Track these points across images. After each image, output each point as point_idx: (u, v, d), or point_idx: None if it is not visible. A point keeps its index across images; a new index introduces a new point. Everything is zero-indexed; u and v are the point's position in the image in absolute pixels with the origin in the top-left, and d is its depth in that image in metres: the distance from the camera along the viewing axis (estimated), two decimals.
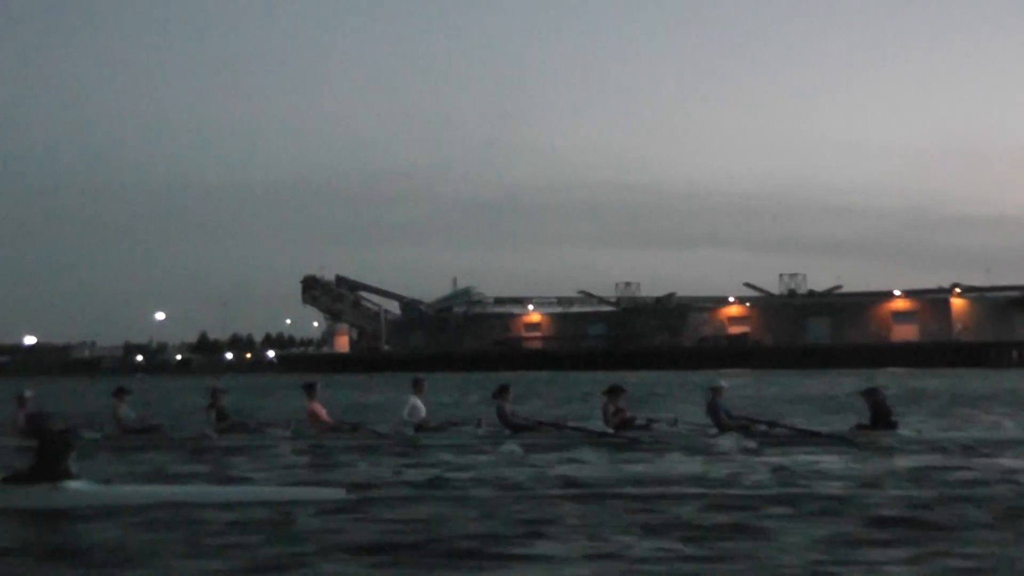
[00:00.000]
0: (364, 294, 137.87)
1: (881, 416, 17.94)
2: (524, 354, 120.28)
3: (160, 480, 13.77)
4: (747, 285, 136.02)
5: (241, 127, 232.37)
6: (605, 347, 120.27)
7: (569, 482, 13.17)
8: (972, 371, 73.73)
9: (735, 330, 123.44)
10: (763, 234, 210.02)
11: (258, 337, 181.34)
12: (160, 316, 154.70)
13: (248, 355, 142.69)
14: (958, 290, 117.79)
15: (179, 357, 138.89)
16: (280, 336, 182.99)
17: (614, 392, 19.01)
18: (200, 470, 15.22)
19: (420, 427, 18.89)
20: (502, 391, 19.20)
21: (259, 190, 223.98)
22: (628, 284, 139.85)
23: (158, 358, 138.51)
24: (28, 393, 19.64)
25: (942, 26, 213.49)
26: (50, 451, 11.45)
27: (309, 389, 19.52)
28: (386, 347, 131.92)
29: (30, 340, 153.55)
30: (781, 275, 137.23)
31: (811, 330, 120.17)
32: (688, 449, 16.89)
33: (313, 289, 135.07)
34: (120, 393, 19.77)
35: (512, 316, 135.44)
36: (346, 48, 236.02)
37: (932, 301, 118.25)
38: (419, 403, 19.14)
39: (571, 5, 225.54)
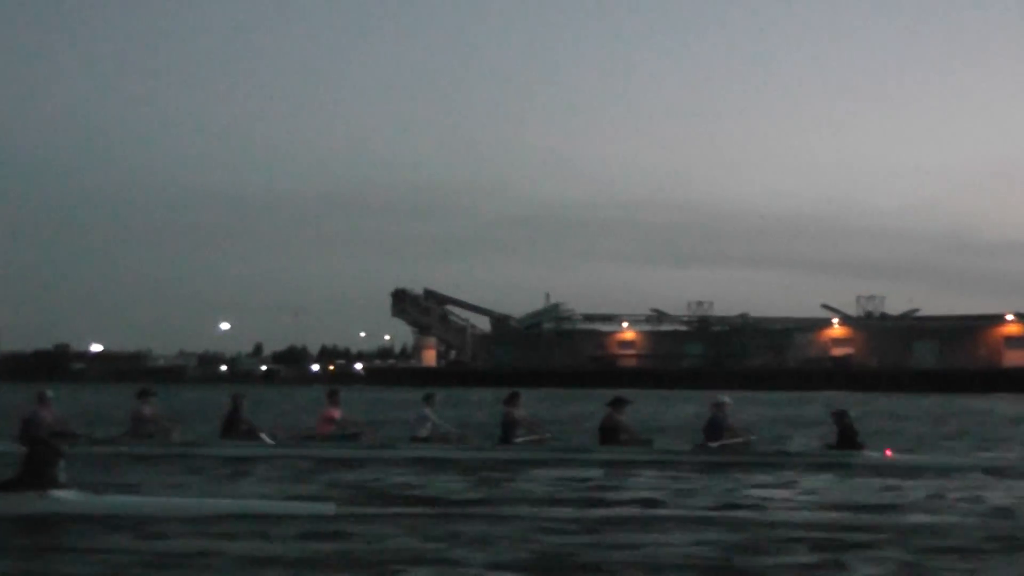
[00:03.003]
0: (451, 308, 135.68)
1: (848, 437, 19.02)
2: (620, 372, 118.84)
3: (154, 491, 13.83)
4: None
5: (317, 137, 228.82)
6: (704, 366, 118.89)
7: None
8: None
9: (838, 352, 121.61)
10: (810, 255, 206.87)
11: (313, 350, 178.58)
12: (225, 326, 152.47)
13: (331, 367, 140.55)
14: None
15: (264, 368, 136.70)
16: (335, 348, 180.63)
17: (618, 404, 19.91)
18: (196, 481, 15.68)
19: (426, 439, 19.92)
20: (512, 398, 20.29)
21: (329, 201, 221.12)
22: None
23: (241, 367, 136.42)
24: (50, 393, 19.58)
25: (986, 46, 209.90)
26: (39, 459, 11.46)
27: (331, 396, 20.68)
28: (475, 362, 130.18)
29: (96, 347, 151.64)
30: (859, 297, 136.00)
31: (917, 353, 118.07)
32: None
33: (402, 302, 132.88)
34: (144, 395, 20.14)
35: (605, 333, 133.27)
36: (418, 58, 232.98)
37: None
38: (430, 415, 20.14)
39: (627, 23, 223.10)
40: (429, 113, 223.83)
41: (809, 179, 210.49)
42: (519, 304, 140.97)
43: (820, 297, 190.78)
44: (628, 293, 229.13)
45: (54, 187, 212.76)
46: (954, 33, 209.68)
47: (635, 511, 12.73)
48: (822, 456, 18.94)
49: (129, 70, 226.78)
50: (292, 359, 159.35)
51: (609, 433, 19.37)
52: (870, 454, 18.80)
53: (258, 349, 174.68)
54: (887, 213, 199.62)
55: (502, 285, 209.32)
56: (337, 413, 20.43)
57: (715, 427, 19.13)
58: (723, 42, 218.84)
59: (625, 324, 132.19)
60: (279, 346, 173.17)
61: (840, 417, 19.27)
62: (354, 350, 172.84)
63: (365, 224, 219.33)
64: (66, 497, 11.48)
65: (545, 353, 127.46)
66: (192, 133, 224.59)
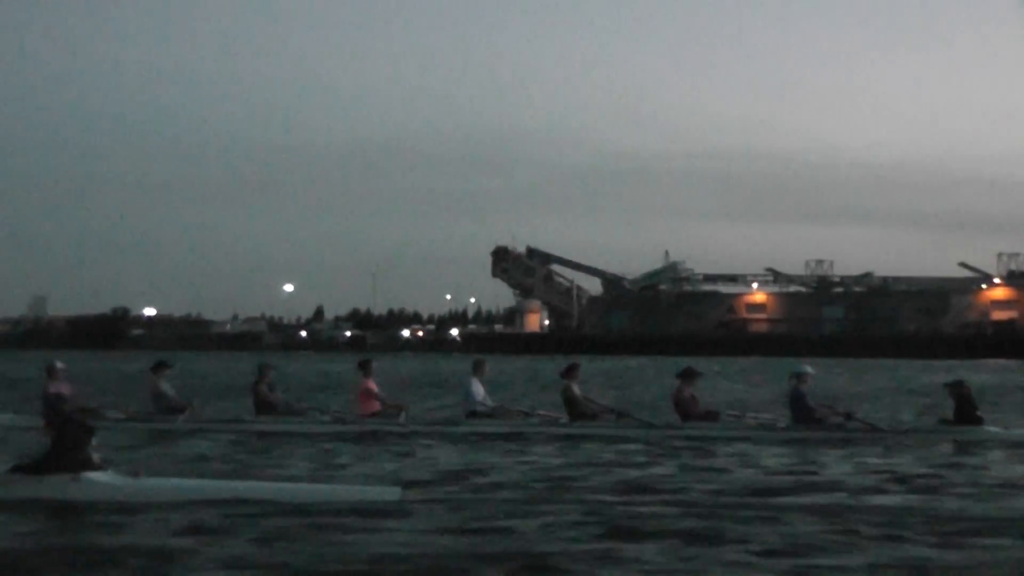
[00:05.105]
0: (556, 267, 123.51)
1: (966, 411, 16.98)
2: (749, 338, 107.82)
3: (195, 472, 11.97)
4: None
5: (385, 84, 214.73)
6: (847, 332, 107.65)
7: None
8: None
9: (1000, 315, 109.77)
10: (928, 208, 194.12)
11: (378, 311, 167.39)
12: (289, 288, 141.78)
13: (420, 332, 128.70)
14: None
15: (348, 334, 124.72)
16: (403, 311, 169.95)
17: (688, 376, 17.55)
18: (240, 459, 13.81)
19: (473, 414, 17.55)
20: (570, 370, 17.66)
21: (398, 153, 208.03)
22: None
23: (324, 334, 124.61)
24: (60, 364, 17.64)
25: None
26: (69, 437, 10.22)
27: (364, 366, 17.98)
28: (581, 327, 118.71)
29: (150, 312, 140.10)
30: (1000, 254, 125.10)
31: None
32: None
33: (503, 261, 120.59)
34: (160, 368, 18.04)
35: (730, 295, 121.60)
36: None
37: None
38: (479, 387, 17.75)
39: None
40: (499, 58, 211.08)
41: (908, 126, 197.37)
42: (612, 263, 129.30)
43: (949, 255, 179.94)
44: (732, 252, 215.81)
45: (105, 141, 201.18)
46: None
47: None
48: (937, 432, 16.77)
49: (187, 24, 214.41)
50: (359, 324, 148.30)
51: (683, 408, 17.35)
52: (991, 429, 16.79)
53: (319, 313, 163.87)
54: (998, 160, 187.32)
55: (593, 242, 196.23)
56: (374, 388, 17.94)
57: (800, 403, 16.98)
58: None
59: (755, 285, 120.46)
60: (342, 310, 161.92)
61: (956, 388, 17.28)
62: (425, 314, 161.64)
63: (438, 177, 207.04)
64: (101, 480, 10.04)
65: (664, 318, 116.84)
66: (253, 83, 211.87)
